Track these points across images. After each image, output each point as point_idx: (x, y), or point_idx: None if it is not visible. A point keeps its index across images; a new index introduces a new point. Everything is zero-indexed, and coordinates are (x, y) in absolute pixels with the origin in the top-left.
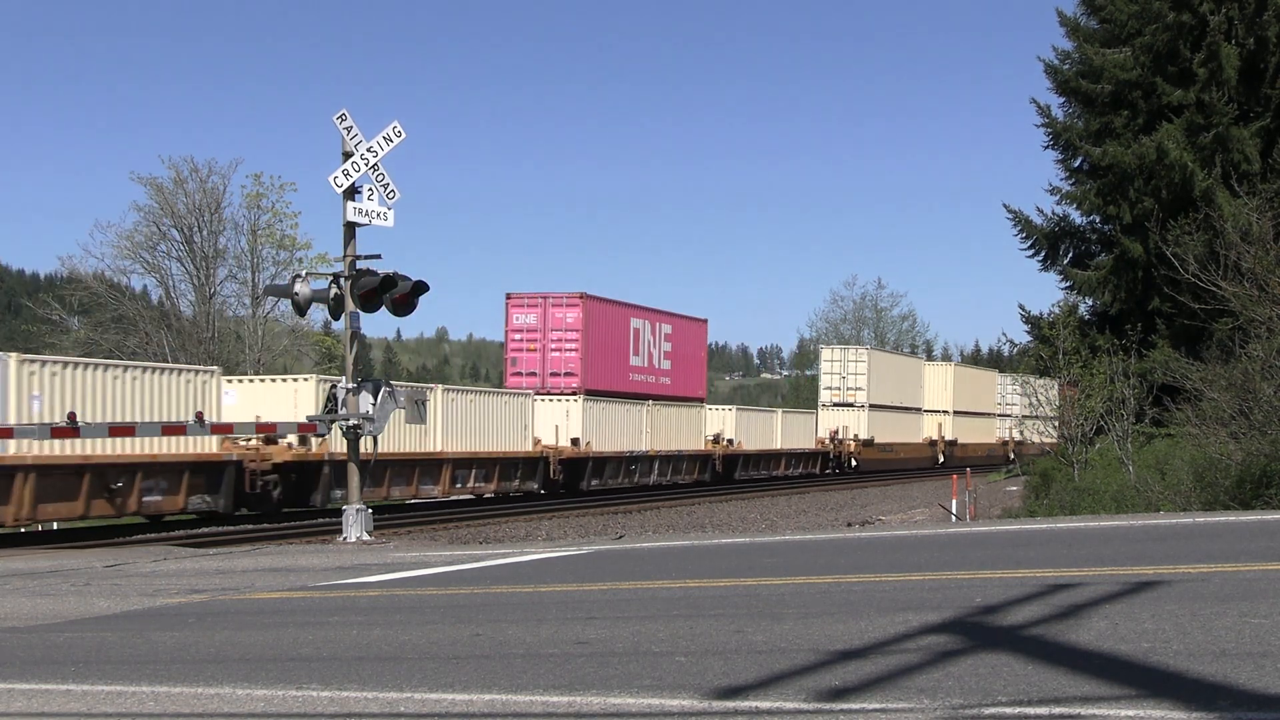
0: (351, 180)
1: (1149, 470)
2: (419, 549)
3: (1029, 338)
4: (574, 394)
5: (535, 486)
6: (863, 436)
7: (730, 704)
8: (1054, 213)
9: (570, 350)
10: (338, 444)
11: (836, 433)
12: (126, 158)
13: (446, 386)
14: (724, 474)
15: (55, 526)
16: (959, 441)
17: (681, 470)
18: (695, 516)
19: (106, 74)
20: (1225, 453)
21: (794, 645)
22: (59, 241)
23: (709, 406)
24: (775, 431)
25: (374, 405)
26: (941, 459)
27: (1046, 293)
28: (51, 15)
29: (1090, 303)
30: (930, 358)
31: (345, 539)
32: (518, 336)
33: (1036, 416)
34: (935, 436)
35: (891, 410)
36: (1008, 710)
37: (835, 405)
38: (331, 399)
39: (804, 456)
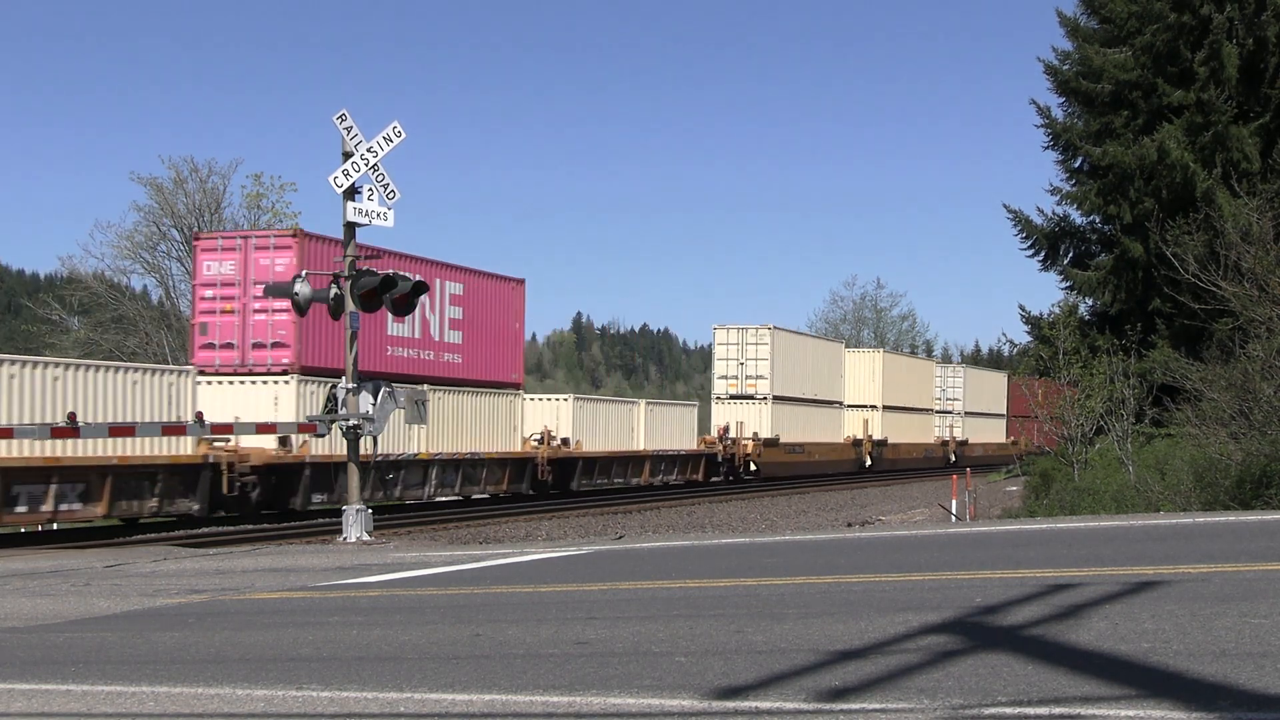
0: (351, 180)
1: (1149, 470)
2: (419, 549)
3: (1029, 338)
4: (284, 374)
5: (194, 507)
6: (764, 435)
7: (730, 704)
8: (1054, 213)
9: (281, 313)
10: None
11: (727, 430)
12: (126, 158)
13: None
14: (556, 483)
15: (55, 526)
16: (890, 441)
17: (480, 480)
18: (695, 516)
19: (106, 74)
20: (1225, 453)
21: (794, 645)
22: (59, 241)
23: (532, 396)
24: (637, 429)
25: (374, 405)
26: (869, 461)
27: (1046, 293)
28: (51, 15)
29: (1090, 303)
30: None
31: (345, 539)
32: (209, 293)
33: (984, 414)
34: (860, 435)
35: (803, 404)
36: (1008, 710)
37: (732, 398)
38: (331, 399)
39: (682, 460)
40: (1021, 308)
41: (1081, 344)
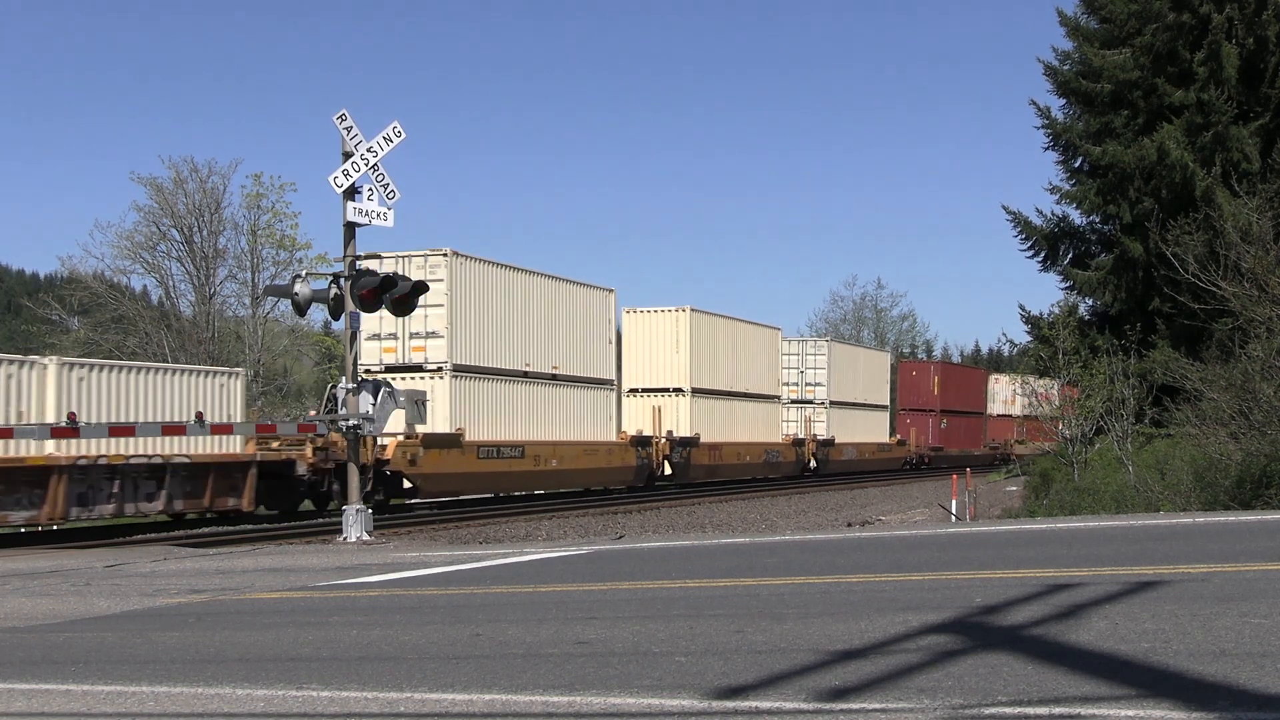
0: (351, 180)
1: (1149, 470)
2: (419, 549)
3: (1029, 338)
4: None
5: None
6: (435, 430)
7: (730, 704)
8: (1054, 213)
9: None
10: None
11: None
12: (126, 158)
13: None
14: None
15: (55, 526)
16: (703, 440)
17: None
18: (695, 516)
19: (107, 74)
20: (1225, 453)
21: (794, 645)
22: (59, 241)
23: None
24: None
25: (374, 405)
26: (668, 470)
27: (1046, 293)
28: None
29: (1090, 303)
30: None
31: (345, 539)
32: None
33: (857, 404)
34: (650, 431)
35: (514, 378)
36: (1008, 710)
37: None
38: (331, 399)
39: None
40: (1021, 308)
41: (1081, 344)
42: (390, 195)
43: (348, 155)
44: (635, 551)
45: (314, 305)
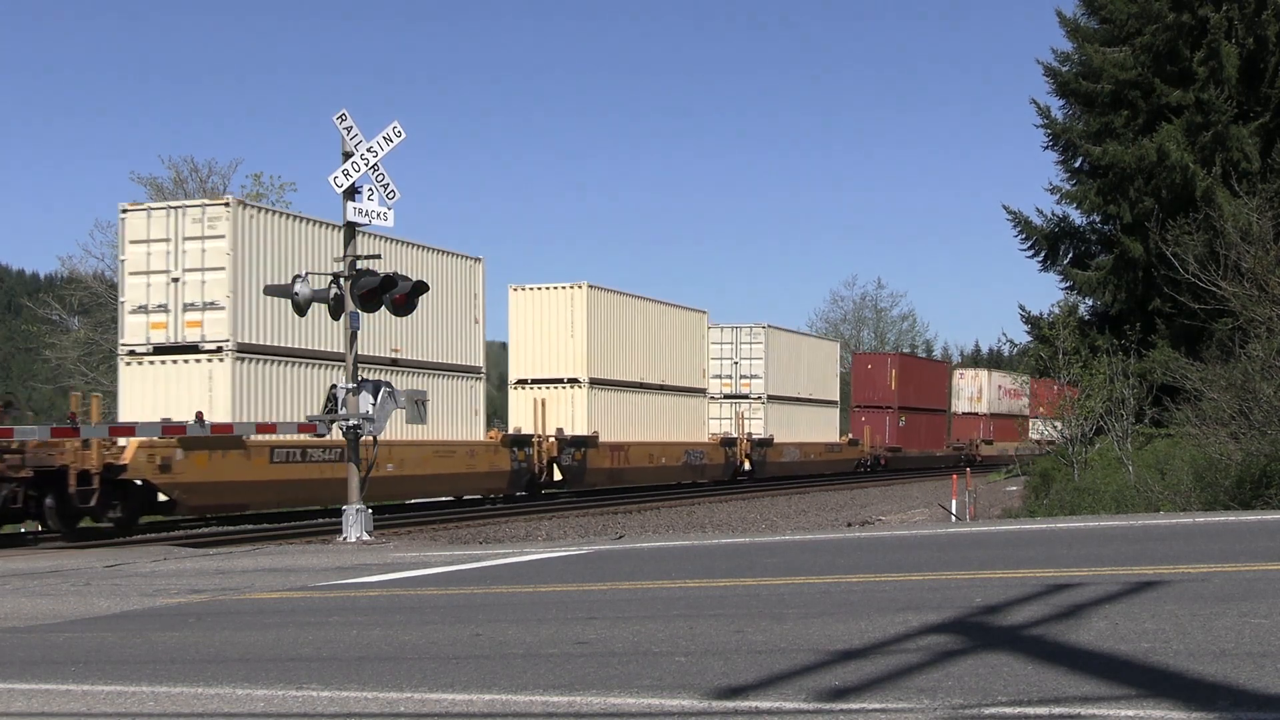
0: (351, 180)
1: (1149, 470)
2: (419, 549)
3: (1029, 338)
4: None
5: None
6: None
7: (730, 704)
8: (1054, 213)
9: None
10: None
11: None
12: (126, 158)
13: None
14: None
15: None
16: (602, 440)
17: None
18: (695, 516)
19: (107, 74)
20: (1225, 453)
21: (794, 645)
22: (59, 241)
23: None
24: None
25: (374, 405)
26: (558, 475)
27: (1046, 293)
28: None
29: (1090, 303)
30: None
31: (345, 539)
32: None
33: (801, 400)
34: (530, 429)
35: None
36: (1008, 710)
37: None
38: (331, 399)
39: None
40: (1021, 308)
41: (1081, 344)
42: (390, 195)
43: (348, 155)
44: (635, 551)
45: (314, 305)
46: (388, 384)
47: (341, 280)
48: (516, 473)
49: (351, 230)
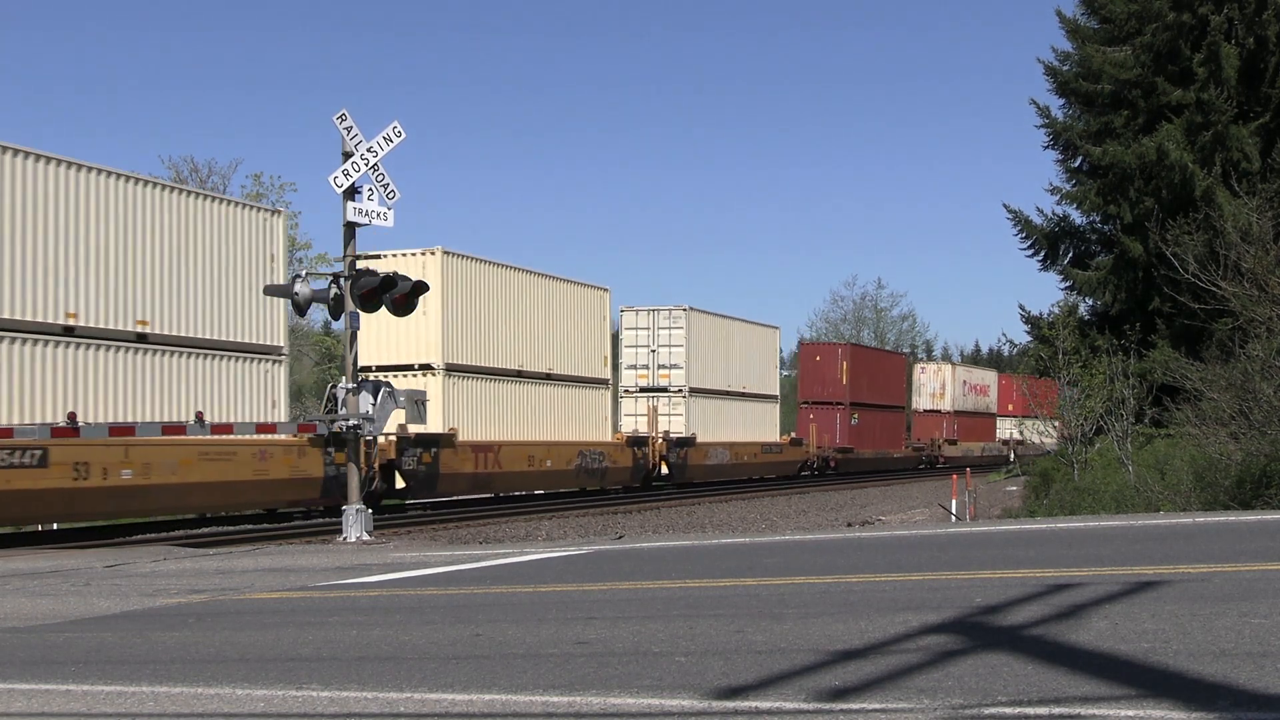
0: (351, 180)
1: (1149, 470)
2: (419, 549)
3: (1029, 338)
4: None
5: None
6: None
7: (730, 704)
8: (1054, 213)
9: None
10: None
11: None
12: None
13: None
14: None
15: (55, 526)
16: (460, 439)
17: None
18: (695, 516)
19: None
20: (1225, 453)
21: (794, 645)
22: None
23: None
24: None
25: (374, 405)
26: (400, 482)
27: (1046, 293)
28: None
29: (1090, 303)
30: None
31: (345, 539)
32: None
33: (732, 394)
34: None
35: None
36: (1008, 710)
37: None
38: (331, 399)
39: None
40: (1021, 308)
41: (1081, 344)
42: (390, 195)
43: (348, 155)
44: (635, 551)
45: (314, 305)
46: (388, 384)
47: (341, 280)
48: (328, 480)
49: (351, 230)
